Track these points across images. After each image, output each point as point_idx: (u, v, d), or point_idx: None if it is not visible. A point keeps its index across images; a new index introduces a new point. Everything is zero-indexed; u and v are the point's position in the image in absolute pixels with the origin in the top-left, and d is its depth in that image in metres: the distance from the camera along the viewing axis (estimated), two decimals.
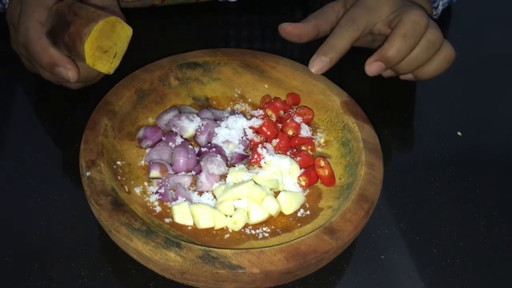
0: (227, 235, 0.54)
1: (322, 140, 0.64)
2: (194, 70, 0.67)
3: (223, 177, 0.59)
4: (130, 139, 0.61)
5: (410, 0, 0.71)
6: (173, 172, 0.58)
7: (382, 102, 0.74)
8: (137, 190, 0.56)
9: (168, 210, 0.55)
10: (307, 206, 0.57)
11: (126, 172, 0.57)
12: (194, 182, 0.58)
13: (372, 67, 0.64)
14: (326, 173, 0.58)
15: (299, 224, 0.55)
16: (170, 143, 0.60)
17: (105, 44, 0.58)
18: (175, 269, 0.48)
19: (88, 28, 0.55)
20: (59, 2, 0.59)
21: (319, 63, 0.64)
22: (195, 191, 0.58)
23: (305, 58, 0.66)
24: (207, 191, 0.57)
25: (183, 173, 0.59)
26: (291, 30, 0.68)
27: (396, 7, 0.66)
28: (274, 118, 0.65)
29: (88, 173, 0.53)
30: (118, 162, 0.58)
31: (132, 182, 0.57)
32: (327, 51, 0.64)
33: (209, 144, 0.61)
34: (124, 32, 0.59)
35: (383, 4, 0.66)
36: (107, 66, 0.59)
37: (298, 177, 0.59)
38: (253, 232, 0.54)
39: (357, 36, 0.65)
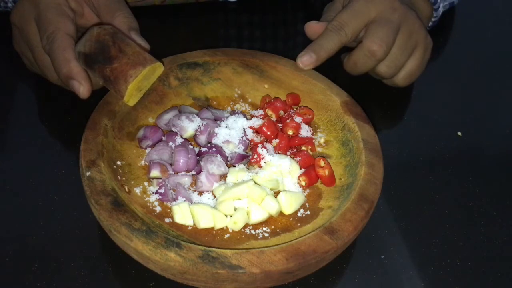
0: (227, 235, 0.54)
1: (322, 140, 0.64)
2: (194, 70, 0.67)
3: (223, 177, 0.59)
4: (130, 139, 0.61)
5: (408, 3, 0.71)
6: (173, 172, 0.58)
7: (382, 102, 0.74)
8: (137, 190, 0.56)
9: (168, 210, 0.55)
10: (307, 206, 0.57)
11: (126, 172, 0.57)
12: (194, 182, 0.58)
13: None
14: (326, 173, 0.58)
15: (299, 224, 0.55)
16: (170, 143, 0.60)
17: (142, 84, 0.60)
18: (175, 269, 0.48)
19: (135, 71, 0.57)
20: (97, 25, 0.60)
21: (308, 59, 0.65)
22: (195, 191, 0.58)
23: None
24: (207, 191, 0.57)
25: (183, 173, 0.59)
26: (318, 28, 0.68)
27: (383, 13, 0.67)
28: (274, 118, 0.65)
29: (88, 173, 0.53)
30: (118, 162, 0.58)
31: (132, 182, 0.57)
32: (316, 49, 0.66)
33: (209, 144, 0.61)
34: (159, 72, 0.61)
35: (372, 10, 0.67)
36: (136, 100, 0.62)
37: (298, 177, 0.59)
38: (253, 232, 0.54)
39: (345, 41, 0.66)
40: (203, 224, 0.54)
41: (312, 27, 0.68)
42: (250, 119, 0.64)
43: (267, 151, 0.61)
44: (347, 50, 0.69)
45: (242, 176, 0.58)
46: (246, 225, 0.55)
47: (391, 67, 0.68)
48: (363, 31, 0.67)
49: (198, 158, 0.60)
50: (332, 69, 0.67)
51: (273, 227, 0.55)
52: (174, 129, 0.62)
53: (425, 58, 0.69)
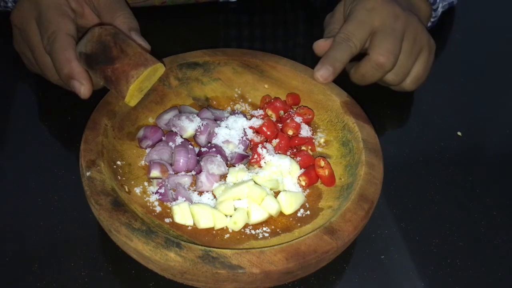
0: (227, 235, 0.54)
1: (322, 140, 0.64)
2: (194, 70, 0.67)
3: (223, 177, 0.59)
4: (130, 139, 0.61)
5: (407, 3, 0.70)
6: (173, 172, 0.58)
7: (382, 102, 0.74)
8: (137, 190, 0.56)
9: (168, 210, 0.55)
10: (307, 206, 0.57)
11: (126, 172, 0.57)
12: (194, 182, 0.58)
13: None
14: (326, 173, 0.58)
15: (299, 224, 0.55)
16: (170, 143, 0.60)
17: (143, 85, 0.60)
18: (175, 269, 0.48)
19: (137, 72, 0.57)
20: (97, 25, 0.60)
21: (325, 72, 0.65)
22: (195, 191, 0.58)
23: (305, 58, 0.66)
24: (207, 191, 0.57)
25: (183, 173, 0.59)
26: (326, 46, 0.68)
27: (386, 22, 0.66)
28: (274, 118, 0.65)
29: (88, 173, 0.53)
30: (118, 162, 0.58)
31: (132, 182, 0.57)
32: (332, 62, 0.65)
33: (209, 144, 0.61)
34: (160, 73, 0.62)
35: (375, 19, 0.67)
36: (136, 101, 0.62)
37: (298, 177, 0.59)
38: (253, 232, 0.54)
39: (354, 52, 0.66)
40: (203, 224, 0.54)
41: (320, 45, 0.68)
42: (250, 119, 0.64)
43: (267, 151, 0.61)
44: (352, 60, 0.69)
45: (242, 176, 0.58)
46: (246, 225, 0.55)
47: (399, 75, 0.68)
48: (367, 41, 0.67)
49: (198, 158, 0.60)
50: None
51: (273, 227, 0.55)
52: (174, 129, 0.62)
53: (430, 60, 0.69)
